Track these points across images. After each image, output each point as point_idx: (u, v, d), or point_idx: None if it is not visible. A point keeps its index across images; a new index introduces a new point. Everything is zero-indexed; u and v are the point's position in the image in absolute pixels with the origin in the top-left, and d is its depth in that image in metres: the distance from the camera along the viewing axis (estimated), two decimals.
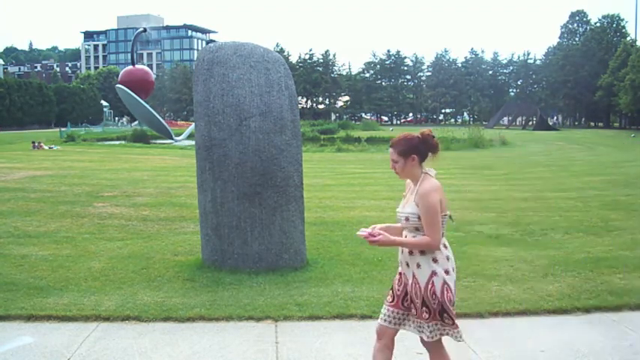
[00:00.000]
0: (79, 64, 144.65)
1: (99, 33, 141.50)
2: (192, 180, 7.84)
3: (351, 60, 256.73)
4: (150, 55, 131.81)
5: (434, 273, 3.04)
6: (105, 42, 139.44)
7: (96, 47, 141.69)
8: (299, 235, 6.31)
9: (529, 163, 21.73)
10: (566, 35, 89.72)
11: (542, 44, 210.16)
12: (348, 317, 4.85)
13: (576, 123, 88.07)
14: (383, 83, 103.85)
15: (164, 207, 10.39)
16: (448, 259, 3.10)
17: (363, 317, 4.86)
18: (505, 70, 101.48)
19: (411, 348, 4.30)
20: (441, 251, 3.08)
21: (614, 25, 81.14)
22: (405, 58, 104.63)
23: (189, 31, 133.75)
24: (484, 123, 68.76)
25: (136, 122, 34.56)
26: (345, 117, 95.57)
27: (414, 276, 3.10)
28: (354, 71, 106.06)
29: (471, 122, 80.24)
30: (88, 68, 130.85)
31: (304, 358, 4.14)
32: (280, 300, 5.19)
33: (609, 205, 10.72)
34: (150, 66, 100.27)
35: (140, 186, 13.22)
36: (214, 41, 7.73)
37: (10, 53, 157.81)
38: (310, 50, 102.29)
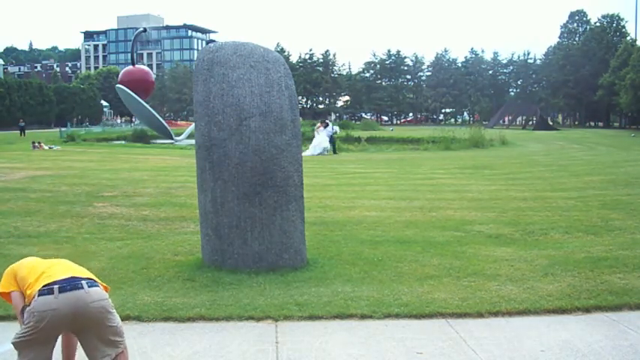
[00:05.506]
0: (79, 64, 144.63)
1: (99, 33, 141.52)
2: (192, 180, 7.84)
3: (351, 60, 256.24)
4: (150, 55, 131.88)
5: None
6: (105, 42, 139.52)
7: (96, 47, 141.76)
8: (299, 235, 6.31)
9: (529, 162, 21.71)
10: (566, 35, 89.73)
11: (542, 44, 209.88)
12: (348, 317, 4.85)
13: (576, 123, 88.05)
14: (383, 83, 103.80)
15: (164, 207, 10.39)
16: None
17: (363, 317, 4.86)
18: (505, 70, 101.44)
19: (411, 348, 4.30)
20: None
21: (614, 25, 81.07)
22: (405, 58, 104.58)
23: (189, 31, 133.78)
24: (484, 123, 68.63)
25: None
26: (345, 117, 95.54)
27: None
28: (354, 71, 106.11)
29: (472, 122, 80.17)
30: (88, 68, 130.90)
31: (304, 358, 4.14)
32: (280, 300, 5.19)
33: (609, 205, 10.70)
34: (150, 66, 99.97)
35: (140, 186, 13.21)
36: (214, 41, 7.74)
37: (10, 53, 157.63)
38: (310, 50, 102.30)
